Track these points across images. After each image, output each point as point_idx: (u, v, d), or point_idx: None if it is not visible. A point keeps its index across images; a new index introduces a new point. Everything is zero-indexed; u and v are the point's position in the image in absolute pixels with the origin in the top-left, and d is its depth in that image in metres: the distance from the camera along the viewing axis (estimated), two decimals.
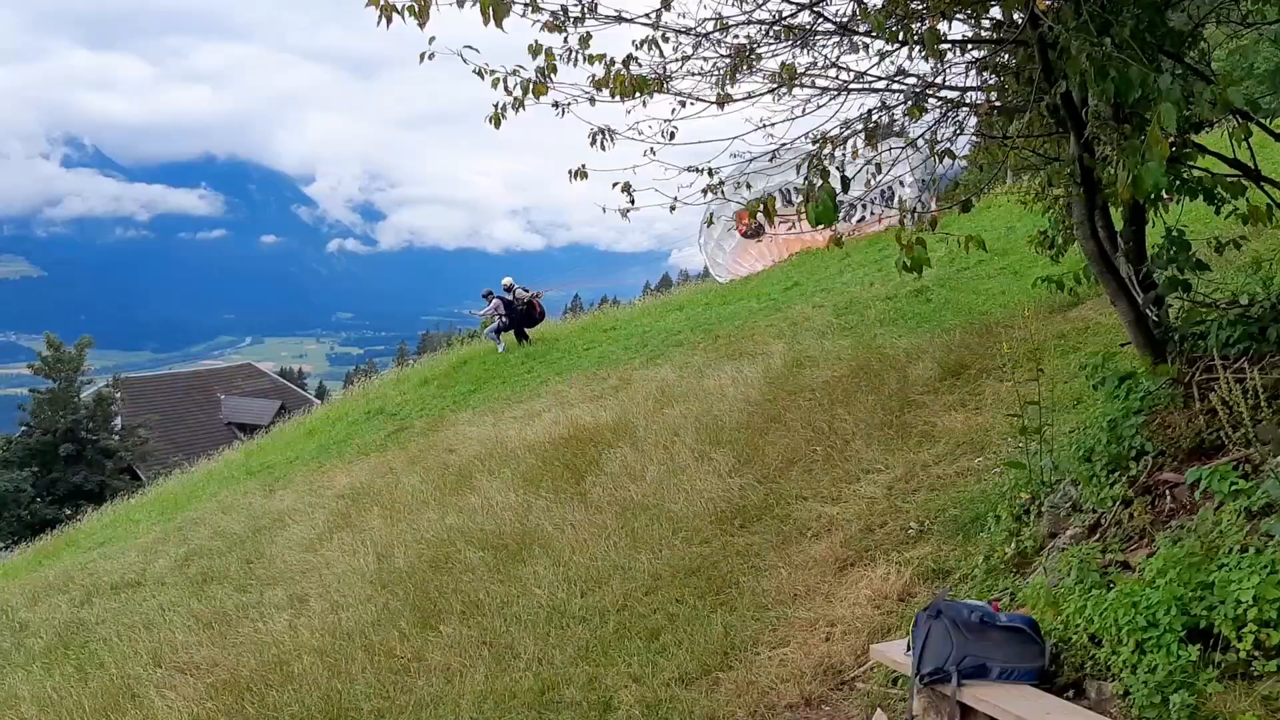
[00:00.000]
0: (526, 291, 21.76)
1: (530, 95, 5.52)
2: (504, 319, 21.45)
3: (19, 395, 49.90)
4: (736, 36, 5.68)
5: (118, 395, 46.26)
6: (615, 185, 5.93)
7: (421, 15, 4.77)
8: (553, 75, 5.52)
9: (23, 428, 43.94)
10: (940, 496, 7.28)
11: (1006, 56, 5.96)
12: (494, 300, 21.62)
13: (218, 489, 17.20)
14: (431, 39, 5.04)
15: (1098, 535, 5.19)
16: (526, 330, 21.73)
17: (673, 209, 5.96)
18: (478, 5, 4.96)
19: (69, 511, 37.36)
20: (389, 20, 4.80)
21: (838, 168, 5.08)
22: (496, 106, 5.56)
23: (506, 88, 5.44)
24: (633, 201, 5.95)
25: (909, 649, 4.62)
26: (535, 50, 5.36)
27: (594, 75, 5.69)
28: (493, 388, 17.95)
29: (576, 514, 9.04)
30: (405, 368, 26.38)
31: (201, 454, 27.72)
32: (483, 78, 5.47)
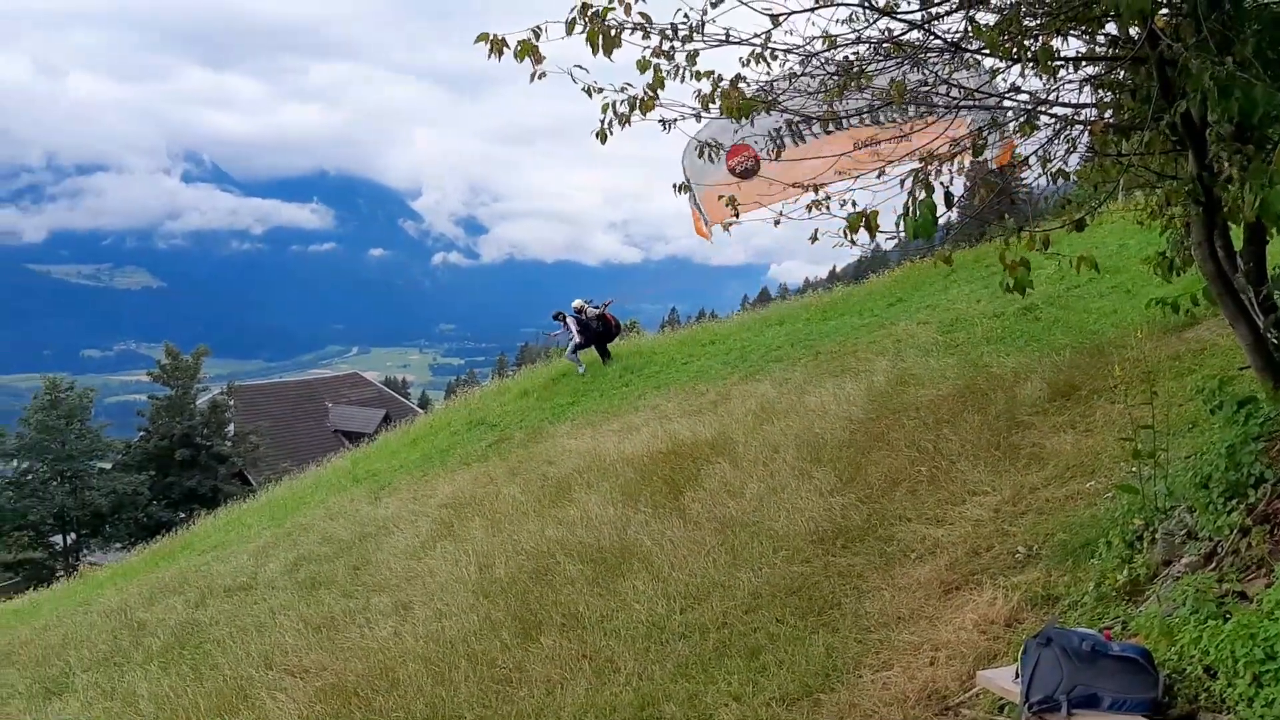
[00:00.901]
0: (597, 308, 21.59)
1: (637, 112, 5.57)
2: (581, 337, 21.22)
3: (138, 401, 51.96)
4: (844, 54, 5.67)
5: (231, 402, 47.80)
6: (720, 198, 5.95)
7: (531, 55, 4.87)
8: (660, 91, 5.57)
9: (141, 433, 45.71)
10: (1049, 520, 7.11)
11: (1122, 74, 5.83)
12: (567, 320, 21.50)
13: (325, 495, 17.63)
14: (541, 59, 5.14)
15: (1214, 564, 5.02)
16: (607, 346, 21.53)
17: (777, 223, 5.97)
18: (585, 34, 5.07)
19: (183, 515, 38.72)
20: (500, 55, 4.91)
21: (943, 184, 5.03)
22: (603, 122, 5.63)
23: (615, 110, 5.51)
24: (737, 214, 5.97)
25: (1017, 676, 4.52)
26: (643, 66, 5.41)
27: (700, 91, 5.73)
28: (591, 401, 18.08)
29: (675, 529, 9.06)
30: (505, 379, 26.73)
31: (310, 460, 28.45)
32: (591, 96, 5.54)
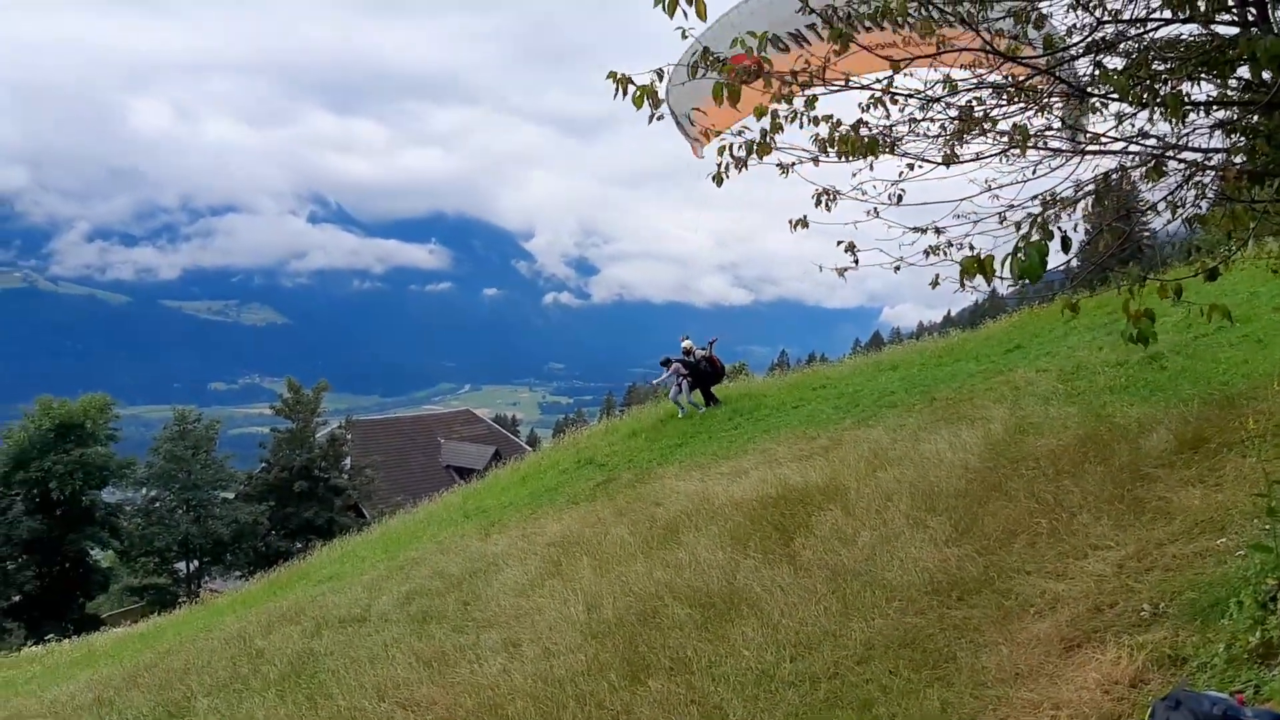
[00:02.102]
0: (703, 349, 21.72)
1: (754, 155, 5.60)
2: (688, 379, 21.28)
3: (260, 434, 53.70)
4: (965, 99, 5.62)
5: (348, 436, 48.99)
6: (839, 244, 5.94)
7: (650, 98, 4.94)
8: (777, 136, 5.59)
9: (262, 464, 47.13)
10: (1176, 578, 6.82)
11: (1255, 118, 5.65)
12: (674, 365, 21.55)
13: (437, 530, 17.92)
14: (660, 103, 5.21)
15: None
16: (712, 390, 21.48)
17: (897, 269, 5.91)
18: (703, 78, 5.13)
19: (300, 545, 39.79)
20: (624, 92, 5.00)
21: (1060, 229, 4.92)
22: (720, 166, 5.68)
23: (733, 153, 5.55)
24: (856, 262, 5.93)
25: None
26: (760, 112, 5.45)
27: (817, 134, 5.73)
28: (699, 443, 18.05)
29: (785, 576, 8.96)
30: (613, 419, 26.87)
31: (422, 495, 29.00)
32: (708, 139, 5.59)
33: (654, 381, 23.81)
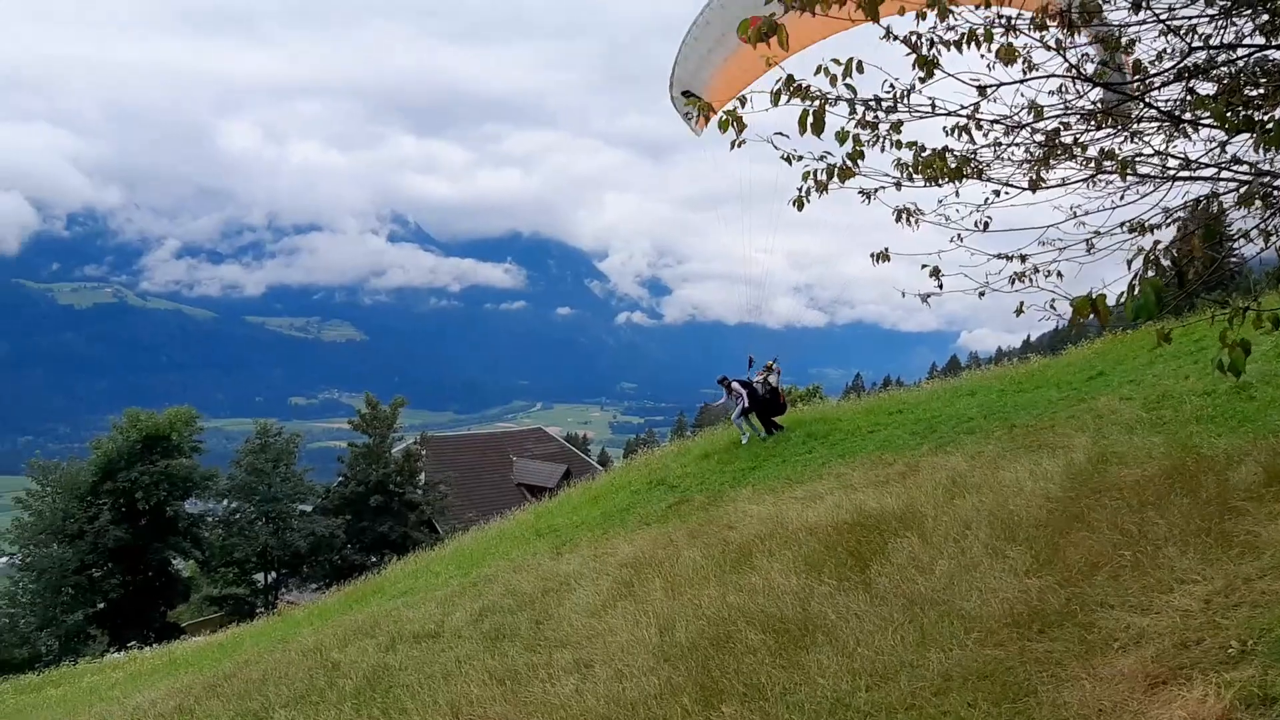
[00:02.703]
0: (761, 375, 20.79)
1: (835, 180, 5.59)
2: (744, 402, 20.48)
3: (338, 448, 54.68)
4: (1052, 124, 5.55)
5: (423, 452, 49.65)
6: (923, 268, 5.90)
7: (735, 124, 4.96)
8: (859, 161, 5.57)
9: (340, 478, 47.95)
10: (1265, 614, 6.60)
11: None
12: (734, 387, 20.75)
13: (509, 548, 18.05)
14: (744, 128, 5.23)
15: None
16: (774, 419, 20.77)
17: (981, 295, 5.85)
18: (782, 101, 5.14)
19: (374, 559, 40.36)
20: (705, 122, 5.03)
21: (1171, 262, 4.82)
22: (801, 190, 5.67)
23: (815, 179, 5.55)
24: (941, 287, 5.88)
25: None
26: (842, 138, 5.44)
27: (900, 159, 5.70)
28: (772, 466, 17.95)
29: (861, 603, 8.85)
30: (684, 440, 26.85)
31: (494, 512, 29.24)
32: (790, 164, 5.60)
33: (715, 404, 23.42)
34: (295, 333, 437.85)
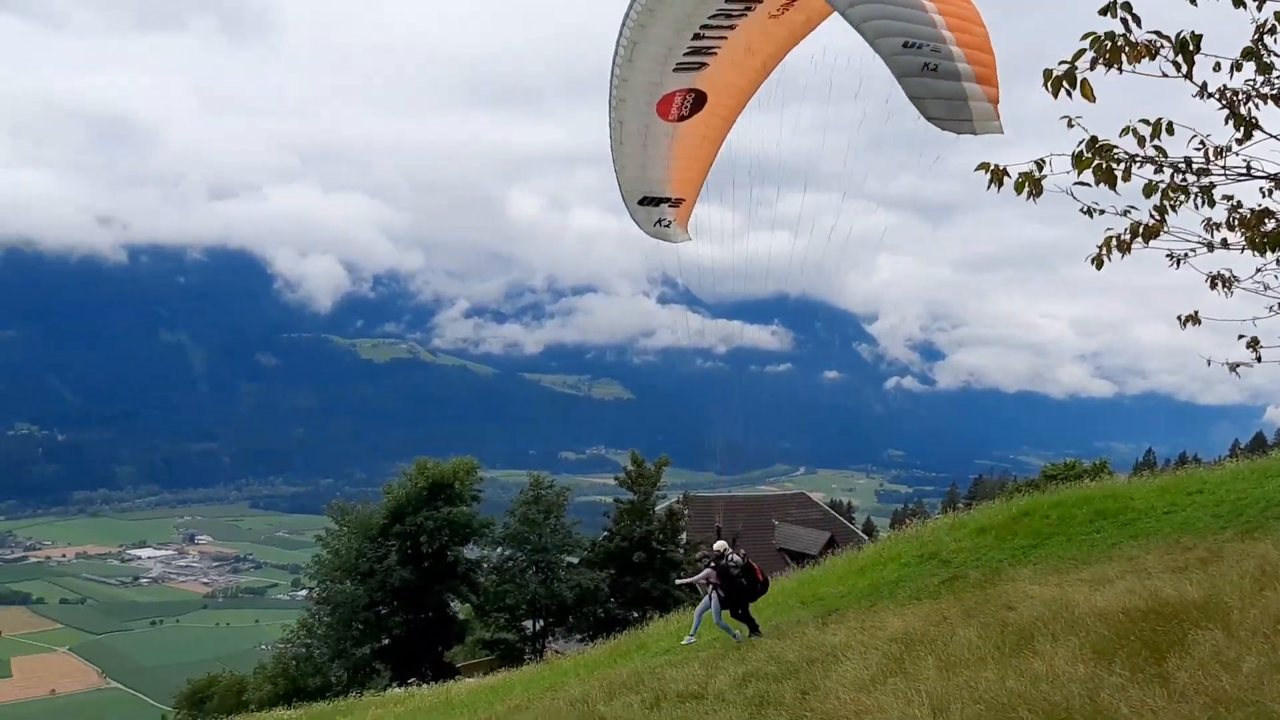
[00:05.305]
0: (741, 555, 16.32)
1: (1139, 239, 5.29)
2: (721, 592, 16.27)
3: (603, 503, 56.17)
4: None
5: (686, 511, 50.12)
6: (1240, 338, 5.49)
7: (1031, 186, 4.79)
8: (1167, 217, 5.26)
9: (605, 533, 49.11)
10: None
11: None
12: (705, 569, 16.91)
13: (772, 614, 17.88)
14: (1041, 192, 5.03)
15: None
16: (749, 611, 16.34)
17: None
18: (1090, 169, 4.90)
19: (636, 614, 40.96)
20: (999, 184, 4.89)
21: None
22: (1101, 249, 5.40)
23: (1118, 239, 5.26)
24: (1259, 359, 5.43)
25: None
26: (1150, 190, 5.14)
27: (1210, 219, 5.34)
28: (1056, 545, 16.96)
29: (1157, 698, 8.13)
30: (957, 513, 25.82)
31: None
32: (1091, 217, 5.34)
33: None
34: (568, 390, 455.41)
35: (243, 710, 38.99)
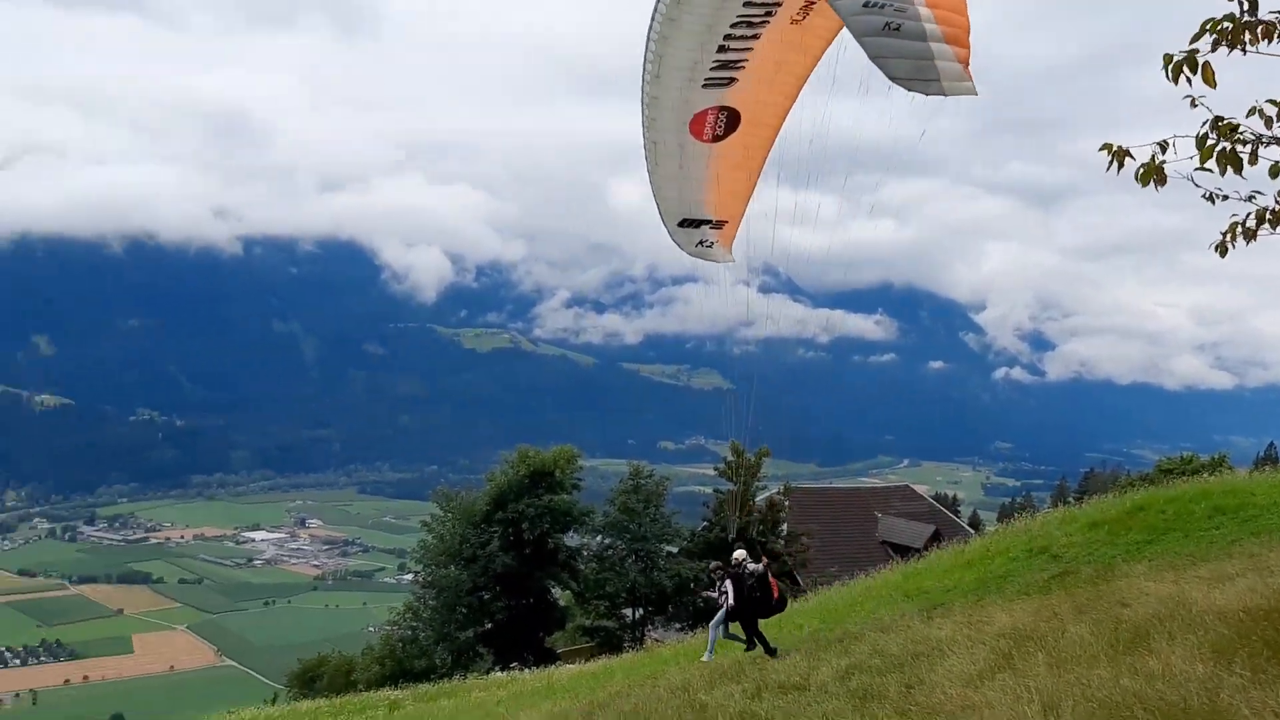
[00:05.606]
0: (756, 564, 16.11)
1: (1265, 225, 5.09)
2: (729, 600, 15.93)
3: (702, 494, 56.09)
4: None
5: (786, 503, 49.79)
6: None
7: (1155, 175, 4.64)
8: None
9: (704, 523, 49.11)
10: None
11: None
12: (723, 581, 16.42)
13: (875, 606, 17.71)
14: (1165, 179, 4.88)
15: None
16: (758, 619, 16.02)
17: None
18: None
19: None
20: (1120, 166, 4.74)
21: None
22: (1225, 236, 5.21)
23: (1243, 225, 5.07)
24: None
25: None
26: (1277, 172, 4.93)
27: None
28: (1172, 541, 16.43)
29: None
30: (1068, 507, 25.18)
31: (855, 568, 28.78)
32: (1213, 203, 5.16)
33: (703, 595, 19.24)
34: (666, 380, 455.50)
35: (351, 690, 40.10)
